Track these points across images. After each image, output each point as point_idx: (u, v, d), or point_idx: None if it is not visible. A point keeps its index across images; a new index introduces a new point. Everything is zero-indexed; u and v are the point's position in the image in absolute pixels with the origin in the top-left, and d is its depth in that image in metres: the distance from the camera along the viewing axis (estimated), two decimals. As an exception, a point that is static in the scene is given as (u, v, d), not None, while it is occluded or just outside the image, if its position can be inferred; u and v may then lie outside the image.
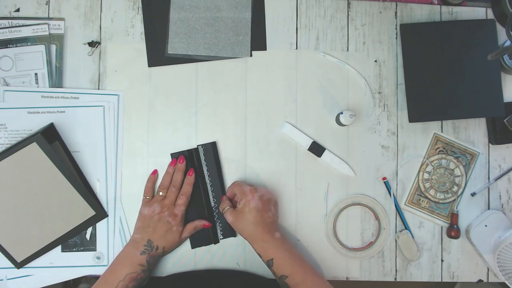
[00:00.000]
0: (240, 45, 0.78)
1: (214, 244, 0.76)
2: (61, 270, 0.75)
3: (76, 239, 0.75)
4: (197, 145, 0.77)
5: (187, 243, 0.76)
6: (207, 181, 0.76)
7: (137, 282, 0.68)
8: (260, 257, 0.69)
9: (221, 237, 0.77)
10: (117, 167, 0.76)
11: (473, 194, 0.79)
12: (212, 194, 0.76)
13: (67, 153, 0.74)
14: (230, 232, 0.76)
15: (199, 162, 0.76)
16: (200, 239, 0.76)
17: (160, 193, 0.73)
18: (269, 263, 0.68)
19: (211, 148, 0.76)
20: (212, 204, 0.76)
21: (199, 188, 0.76)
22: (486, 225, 0.77)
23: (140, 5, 0.78)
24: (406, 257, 0.78)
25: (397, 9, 0.81)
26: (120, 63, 0.77)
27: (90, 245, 0.75)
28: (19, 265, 0.73)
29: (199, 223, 0.74)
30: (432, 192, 0.79)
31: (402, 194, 0.79)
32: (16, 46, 0.75)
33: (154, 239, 0.70)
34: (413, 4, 0.81)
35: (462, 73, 0.77)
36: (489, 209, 0.80)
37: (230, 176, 0.77)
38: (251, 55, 0.79)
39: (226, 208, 0.72)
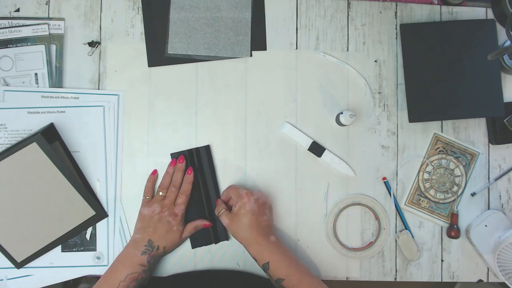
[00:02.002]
0: (240, 45, 0.78)
1: (215, 244, 0.76)
2: (61, 270, 0.75)
3: (76, 239, 0.75)
4: (191, 149, 0.76)
5: (188, 243, 0.76)
6: (201, 184, 0.76)
7: (138, 282, 0.68)
8: (256, 260, 0.69)
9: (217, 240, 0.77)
10: (117, 167, 0.76)
11: (473, 194, 0.79)
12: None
13: (67, 153, 0.74)
14: (225, 235, 0.76)
15: (200, 162, 0.76)
16: (201, 239, 0.76)
17: (160, 193, 0.73)
18: (265, 267, 0.67)
19: (205, 152, 0.76)
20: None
21: (199, 187, 0.76)
22: (486, 225, 0.77)
23: (140, 5, 0.78)
24: (406, 257, 0.78)
25: (397, 9, 0.81)
26: (120, 63, 0.77)
27: (90, 245, 0.75)
28: (19, 265, 0.73)
29: (200, 223, 0.74)
30: (432, 192, 0.79)
31: (402, 194, 0.79)
32: (16, 46, 0.75)
33: (155, 239, 0.70)
34: (413, 4, 0.81)
35: (462, 73, 0.77)
36: (489, 209, 0.80)
37: (230, 176, 0.77)
38: (251, 55, 0.79)
39: (222, 211, 0.71)
